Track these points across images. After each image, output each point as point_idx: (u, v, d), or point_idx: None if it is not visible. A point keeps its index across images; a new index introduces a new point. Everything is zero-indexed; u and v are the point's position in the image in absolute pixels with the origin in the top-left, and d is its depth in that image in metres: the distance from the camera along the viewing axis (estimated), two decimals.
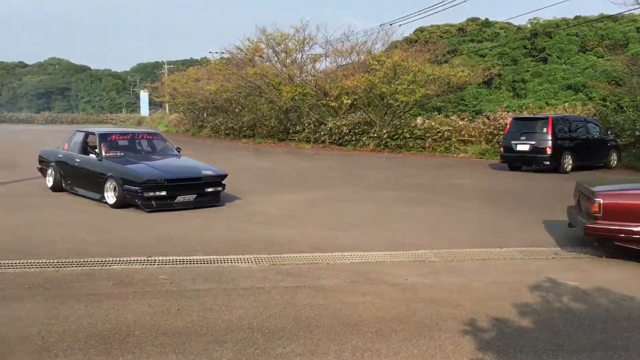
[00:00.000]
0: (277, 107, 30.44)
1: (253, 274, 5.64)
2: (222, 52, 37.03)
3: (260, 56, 29.46)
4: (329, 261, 6.20)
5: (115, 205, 9.36)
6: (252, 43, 29.16)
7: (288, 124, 29.87)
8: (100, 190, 9.67)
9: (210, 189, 9.70)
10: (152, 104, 72.64)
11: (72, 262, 5.99)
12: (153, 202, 9.05)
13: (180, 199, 9.30)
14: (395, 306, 4.69)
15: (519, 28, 63.57)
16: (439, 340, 3.96)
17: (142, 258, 6.17)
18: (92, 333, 4.07)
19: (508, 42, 60.19)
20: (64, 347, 3.83)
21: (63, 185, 10.90)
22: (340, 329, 4.18)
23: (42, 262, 5.93)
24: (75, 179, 10.63)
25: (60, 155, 11.17)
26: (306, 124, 28.39)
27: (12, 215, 8.64)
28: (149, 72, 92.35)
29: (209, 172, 9.90)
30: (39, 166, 11.91)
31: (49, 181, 11.23)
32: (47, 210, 9.21)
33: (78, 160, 10.56)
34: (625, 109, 30.53)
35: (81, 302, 4.72)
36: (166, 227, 7.99)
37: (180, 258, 6.19)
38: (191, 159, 11.57)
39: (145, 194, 9.00)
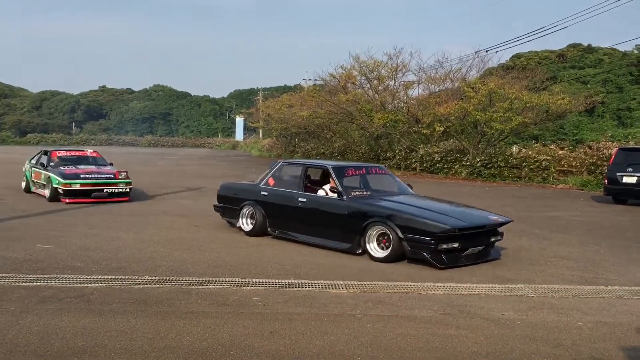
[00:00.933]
0: (368, 133, 30.59)
1: (344, 301, 5.64)
2: (315, 79, 37.88)
3: (353, 83, 29.81)
4: (421, 291, 6.09)
5: (387, 260, 7.43)
6: (344, 70, 29.62)
7: (379, 150, 29.89)
8: (351, 238, 7.85)
9: (492, 239, 7.83)
10: (246, 128, 75.15)
11: (172, 279, 6.26)
12: (444, 257, 7.24)
13: (470, 251, 7.51)
14: (491, 342, 4.53)
15: (624, 54, 60.46)
16: None
17: (237, 279, 6.35)
18: (191, 350, 4.22)
19: (612, 69, 57.34)
20: None
21: (269, 229, 9.07)
22: None
23: (144, 279, 6.24)
24: (297, 222, 8.71)
25: (264, 193, 9.18)
26: (397, 151, 28.30)
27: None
28: (244, 99, 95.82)
29: (496, 218, 7.97)
30: (219, 204, 10.10)
31: (245, 224, 9.34)
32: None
33: (303, 200, 8.58)
34: None
35: (180, 319, 4.91)
36: (259, 250, 8.18)
37: (273, 281, 6.31)
38: (444, 200, 9.87)
39: (439, 247, 7.14)
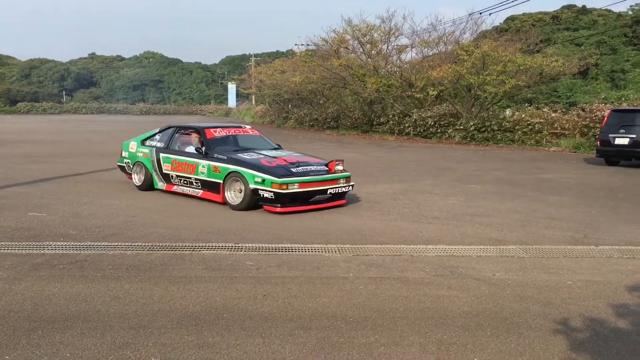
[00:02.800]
0: (361, 98, 30.40)
1: (336, 264, 5.68)
2: (308, 44, 37.41)
3: (346, 47, 29.50)
4: (413, 253, 6.13)
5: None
6: (337, 35, 29.29)
7: (372, 116, 29.77)
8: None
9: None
10: (239, 95, 74.65)
11: (165, 245, 6.28)
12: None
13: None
14: (482, 301, 4.58)
15: (619, 15, 59.95)
16: (528, 339, 3.83)
17: (230, 244, 6.36)
18: (184, 314, 4.24)
19: (607, 30, 56.91)
20: (158, 325, 4.01)
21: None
22: (425, 321, 4.13)
23: (137, 245, 6.25)
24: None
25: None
26: (390, 116, 28.19)
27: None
28: (236, 65, 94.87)
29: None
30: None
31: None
32: None
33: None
34: None
35: (173, 284, 4.93)
36: (252, 215, 8.19)
37: (266, 245, 6.33)
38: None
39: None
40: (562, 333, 3.92)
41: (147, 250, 6.10)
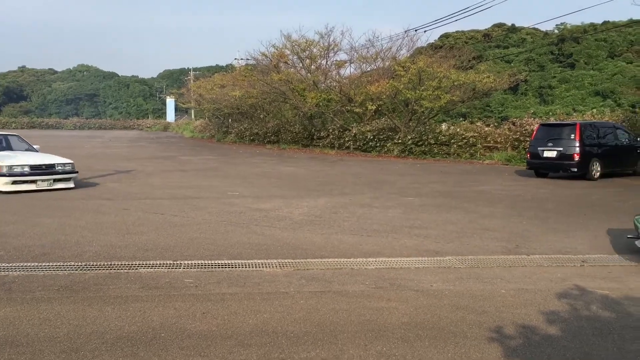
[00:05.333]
0: (301, 113, 30.56)
1: (277, 279, 5.66)
2: (248, 59, 37.42)
3: (285, 62, 29.66)
4: (354, 267, 6.18)
5: None
6: (277, 49, 29.41)
7: (312, 130, 29.97)
8: None
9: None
10: (177, 110, 73.60)
11: (99, 264, 6.08)
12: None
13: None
14: (420, 312, 4.66)
15: (546, 34, 62.93)
16: (465, 347, 3.92)
17: (169, 262, 6.24)
18: (119, 335, 4.12)
19: (535, 48, 59.62)
20: (91, 348, 3.88)
21: None
22: (365, 334, 4.16)
23: (69, 265, 6.03)
24: None
25: None
26: (330, 130, 28.45)
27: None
28: (175, 79, 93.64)
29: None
30: None
31: None
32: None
33: None
34: None
35: (108, 305, 4.78)
36: (191, 231, 8.06)
37: (206, 262, 6.24)
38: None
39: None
40: (497, 341, 4.03)
41: (81, 269, 5.90)
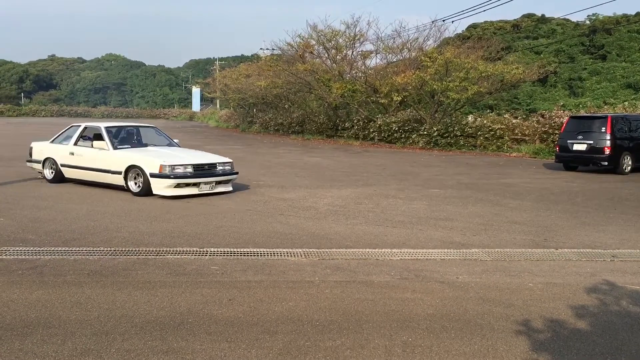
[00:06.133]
0: (326, 103, 30.51)
1: (302, 268, 5.68)
2: (273, 49, 37.35)
3: (311, 52, 29.57)
4: (378, 257, 6.17)
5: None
6: (302, 40, 29.33)
7: (337, 121, 29.91)
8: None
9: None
10: (203, 99, 74.00)
11: (128, 250, 6.17)
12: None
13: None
14: (446, 304, 4.64)
15: (577, 24, 61.67)
16: (491, 340, 3.89)
17: (195, 249, 6.30)
18: (148, 319, 4.18)
19: (565, 39, 58.47)
20: (121, 331, 3.94)
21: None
22: (390, 324, 4.16)
23: (99, 250, 6.14)
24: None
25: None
26: (355, 121, 28.35)
27: None
28: (200, 69, 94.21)
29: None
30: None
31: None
32: None
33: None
34: None
35: (137, 290, 4.86)
36: (217, 219, 8.13)
37: (231, 250, 6.29)
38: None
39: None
40: (524, 334, 3.99)
41: (110, 255, 6.00)
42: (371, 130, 26.89)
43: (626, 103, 25.22)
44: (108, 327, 4.02)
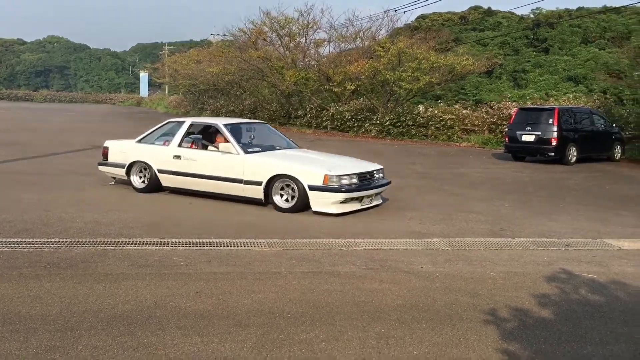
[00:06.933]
0: (279, 91, 30.31)
1: (267, 259, 5.63)
2: (224, 35, 36.78)
3: (264, 39, 29.26)
4: (342, 247, 6.19)
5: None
6: (255, 26, 29.01)
7: (290, 109, 29.77)
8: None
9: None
10: (151, 85, 72.33)
11: (85, 241, 5.97)
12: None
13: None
14: (414, 294, 4.69)
15: (521, 18, 63.25)
16: (462, 330, 3.96)
17: (155, 239, 6.15)
18: (114, 314, 4.05)
19: (510, 32, 59.87)
20: (86, 326, 3.81)
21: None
22: (362, 315, 4.17)
23: (54, 241, 5.91)
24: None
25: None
26: (308, 109, 28.30)
27: None
28: (148, 53, 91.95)
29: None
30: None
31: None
32: None
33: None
34: (625, 102, 30.50)
35: (99, 283, 4.70)
36: (174, 208, 7.97)
37: (194, 240, 6.17)
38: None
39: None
40: (492, 323, 4.08)
41: (66, 246, 5.79)
42: (324, 118, 26.91)
43: (571, 95, 26.07)
44: (72, 322, 3.88)
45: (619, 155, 17.20)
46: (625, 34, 51.66)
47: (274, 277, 5.05)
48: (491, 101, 27.81)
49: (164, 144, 9.19)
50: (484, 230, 7.25)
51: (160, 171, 8.96)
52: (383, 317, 4.16)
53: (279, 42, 29.47)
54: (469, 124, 22.54)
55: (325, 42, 29.13)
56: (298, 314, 4.17)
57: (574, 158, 15.71)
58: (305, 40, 29.13)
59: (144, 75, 73.00)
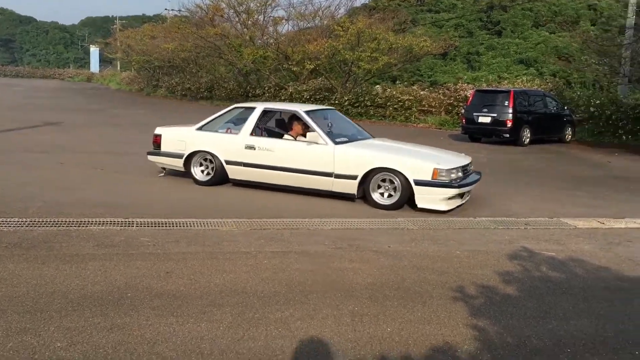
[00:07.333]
0: (236, 69, 29.96)
1: (236, 238, 5.62)
2: (179, 10, 36.02)
3: (221, 16, 28.81)
4: (310, 227, 6.22)
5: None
6: (212, 2, 28.47)
7: (248, 87, 29.46)
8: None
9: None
10: (102, 60, 70.27)
11: (47, 221, 5.82)
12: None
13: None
14: (384, 273, 4.77)
15: (475, 0, 64.00)
16: (432, 307, 4.06)
17: (120, 219, 6.05)
18: (83, 295, 3.99)
19: (465, 15, 60.55)
20: (56, 308, 3.74)
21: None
22: (334, 294, 4.23)
23: (14, 221, 5.75)
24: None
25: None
26: (266, 88, 28.07)
27: None
28: (98, 27, 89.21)
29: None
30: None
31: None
32: None
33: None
34: (573, 85, 31.44)
35: (65, 263, 4.61)
36: (138, 188, 7.84)
37: (160, 220, 6.10)
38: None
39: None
40: (461, 300, 4.20)
41: (27, 226, 5.63)
42: (283, 97, 26.73)
43: (525, 78, 26.67)
44: (41, 304, 3.80)
45: (570, 137, 17.76)
46: (575, 18, 53.00)
47: (245, 256, 5.05)
48: (446, 82, 28.23)
49: (226, 132, 8.40)
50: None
51: (229, 162, 8.09)
52: (355, 295, 4.23)
53: (237, 19, 29.08)
54: (427, 105, 22.84)
55: (284, 20, 28.91)
56: (271, 293, 4.19)
57: (528, 139, 16.14)
58: (264, 17, 28.85)
59: (94, 50, 70.80)
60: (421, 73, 52.59)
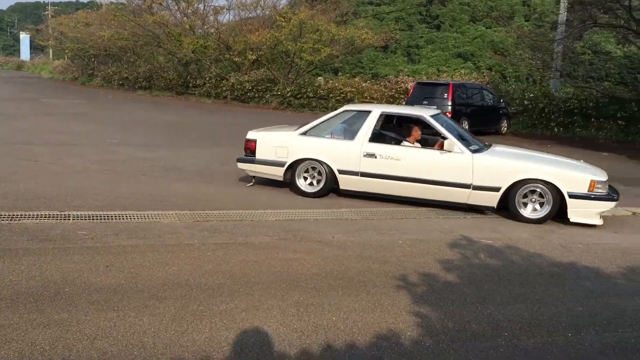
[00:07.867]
0: (176, 59, 29.30)
1: (178, 231, 5.52)
2: None
3: (160, 4, 28.00)
4: (253, 218, 6.19)
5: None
6: None
7: (188, 77, 28.86)
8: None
9: None
10: (33, 48, 67.30)
11: None
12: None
13: None
14: (328, 263, 4.80)
15: None
16: (376, 295, 4.12)
17: (55, 212, 5.83)
18: (17, 291, 3.83)
19: (405, 8, 61.39)
20: None
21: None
22: (279, 285, 4.22)
23: None
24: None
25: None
26: (207, 78, 27.57)
27: None
28: (29, 13, 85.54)
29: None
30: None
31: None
32: None
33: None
34: (508, 79, 32.48)
35: None
36: (72, 180, 7.58)
37: (97, 213, 5.91)
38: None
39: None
40: (404, 288, 4.28)
41: None
42: (224, 88, 26.37)
43: (463, 71, 27.31)
44: None
45: (505, 129, 18.32)
46: (510, 13, 54.62)
47: (187, 249, 4.97)
48: (387, 75, 28.60)
49: (331, 137, 7.62)
50: (384, 201, 7.49)
51: (342, 172, 7.32)
52: (300, 285, 4.24)
53: (176, 7, 28.38)
54: (369, 97, 23.03)
55: (225, 10, 28.42)
56: (215, 285, 4.15)
57: None
58: (204, 6, 28.26)
59: (24, 37, 67.67)
60: (363, 65, 53.05)
